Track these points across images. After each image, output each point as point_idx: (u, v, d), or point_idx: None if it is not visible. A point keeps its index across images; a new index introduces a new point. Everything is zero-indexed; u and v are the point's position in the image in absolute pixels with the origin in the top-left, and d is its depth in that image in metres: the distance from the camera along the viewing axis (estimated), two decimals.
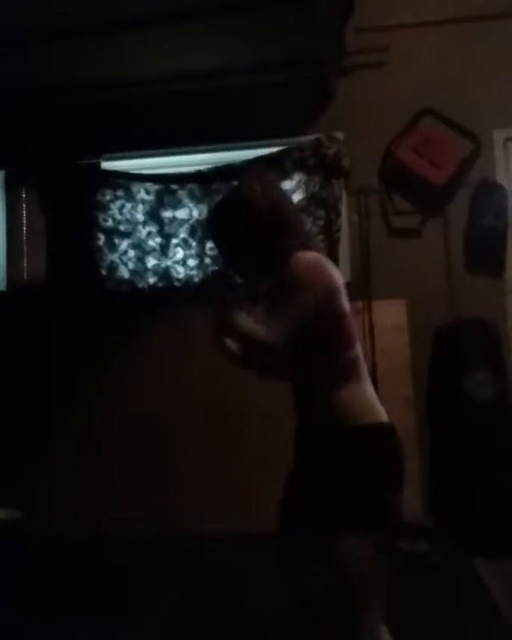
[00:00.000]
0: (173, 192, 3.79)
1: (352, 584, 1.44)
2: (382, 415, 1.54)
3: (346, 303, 1.54)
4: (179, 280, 3.78)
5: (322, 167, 3.63)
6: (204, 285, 3.72)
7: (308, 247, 1.60)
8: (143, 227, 3.82)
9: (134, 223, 3.82)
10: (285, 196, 1.76)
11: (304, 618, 1.64)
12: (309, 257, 1.52)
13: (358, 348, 1.56)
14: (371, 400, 1.54)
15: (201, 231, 3.72)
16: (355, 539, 1.42)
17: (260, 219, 1.57)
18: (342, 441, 1.50)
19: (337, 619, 1.49)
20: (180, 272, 3.79)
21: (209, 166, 3.79)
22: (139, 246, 3.82)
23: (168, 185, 3.80)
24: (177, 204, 3.80)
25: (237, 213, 1.59)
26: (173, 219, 3.80)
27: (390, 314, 3.60)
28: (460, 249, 3.64)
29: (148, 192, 3.82)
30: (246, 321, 1.50)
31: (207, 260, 3.74)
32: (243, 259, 1.65)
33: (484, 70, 3.67)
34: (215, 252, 3.56)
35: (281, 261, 1.53)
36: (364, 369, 1.57)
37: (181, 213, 3.79)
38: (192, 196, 3.78)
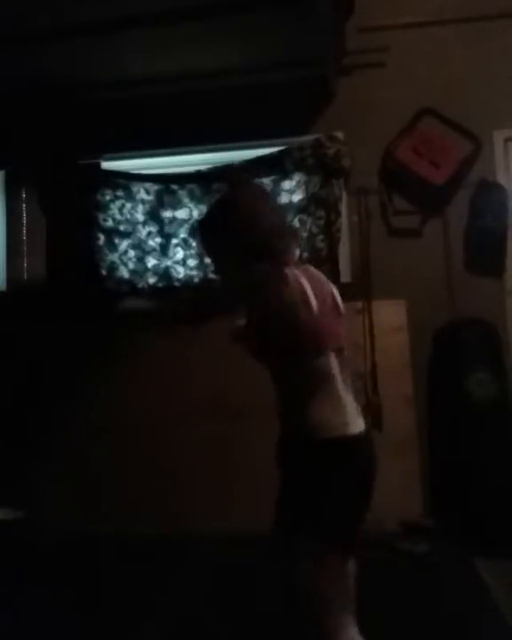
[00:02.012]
0: (173, 192, 3.79)
1: (309, 592, 1.45)
2: (351, 427, 1.53)
3: (311, 312, 1.49)
4: (179, 280, 3.78)
5: (322, 167, 3.62)
6: (204, 285, 3.72)
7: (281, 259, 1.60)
8: (143, 227, 3.82)
9: (134, 223, 3.82)
10: (260, 204, 1.66)
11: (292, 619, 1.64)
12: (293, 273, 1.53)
13: (329, 355, 1.54)
14: (339, 413, 1.53)
15: None
16: (319, 549, 1.44)
17: (229, 227, 1.57)
18: (308, 453, 1.52)
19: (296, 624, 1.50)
20: (180, 272, 3.79)
21: (209, 166, 3.79)
22: (139, 246, 3.82)
23: (168, 185, 3.79)
24: (177, 204, 3.79)
25: (213, 219, 1.63)
26: (173, 219, 3.80)
27: (390, 314, 3.59)
28: (460, 249, 3.64)
29: (147, 192, 3.81)
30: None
31: (207, 260, 3.73)
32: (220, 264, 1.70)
33: (483, 70, 3.67)
34: None
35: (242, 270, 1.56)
36: (337, 378, 1.55)
37: (181, 213, 3.79)
38: (192, 196, 3.77)
